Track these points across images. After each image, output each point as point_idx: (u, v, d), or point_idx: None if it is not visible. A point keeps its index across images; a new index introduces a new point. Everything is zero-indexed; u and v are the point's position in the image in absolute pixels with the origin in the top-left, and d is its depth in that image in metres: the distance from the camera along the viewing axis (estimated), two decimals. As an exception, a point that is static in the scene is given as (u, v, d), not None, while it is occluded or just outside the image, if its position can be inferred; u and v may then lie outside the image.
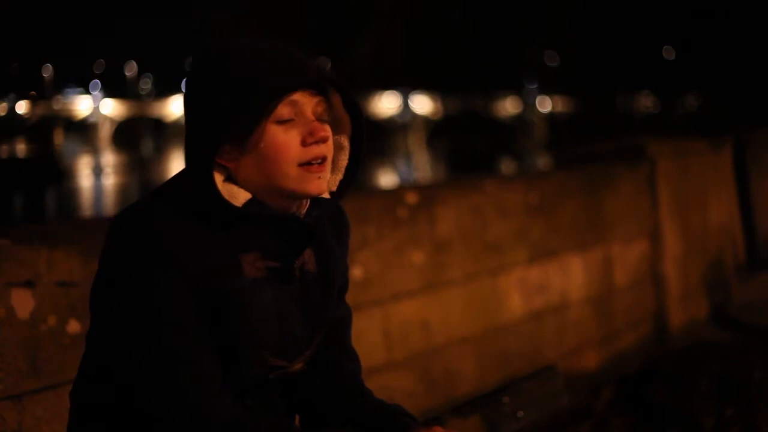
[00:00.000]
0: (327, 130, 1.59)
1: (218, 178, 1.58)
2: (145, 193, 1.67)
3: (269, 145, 1.56)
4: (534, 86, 76.70)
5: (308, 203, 1.66)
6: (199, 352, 1.57)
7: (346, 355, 1.85)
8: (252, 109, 1.53)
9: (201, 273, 1.55)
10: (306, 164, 1.57)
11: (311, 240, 1.66)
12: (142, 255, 1.53)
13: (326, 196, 1.69)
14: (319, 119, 1.59)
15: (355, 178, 1.71)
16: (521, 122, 76.44)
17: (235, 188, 1.59)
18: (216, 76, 1.56)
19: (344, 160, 1.69)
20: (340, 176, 1.70)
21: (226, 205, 1.56)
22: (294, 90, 1.56)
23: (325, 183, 1.61)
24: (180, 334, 1.55)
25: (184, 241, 1.55)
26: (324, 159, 1.59)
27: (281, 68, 1.55)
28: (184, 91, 1.62)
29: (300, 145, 1.57)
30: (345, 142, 1.68)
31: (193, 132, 1.58)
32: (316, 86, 1.59)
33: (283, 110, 1.56)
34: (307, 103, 1.57)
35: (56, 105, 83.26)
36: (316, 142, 1.57)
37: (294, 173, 1.57)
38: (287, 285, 1.66)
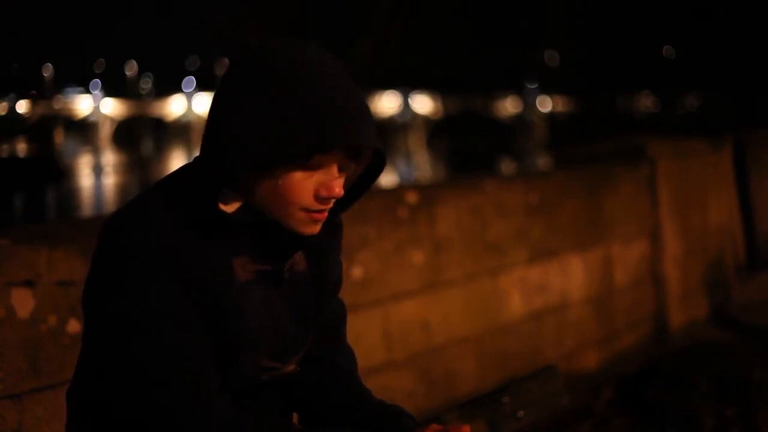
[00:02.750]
0: (342, 187, 1.56)
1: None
2: (139, 193, 1.66)
3: (285, 185, 1.53)
4: (534, 86, 76.74)
5: None
6: (199, 350, 1.57)
7: (341, 353, 1.85)
8: (289, 152, 1.48)
9: (195, 274, 1.55)
10: (309, 211, 1.56)
11: (302, 244, 1.65)
12: (139, 251, 1.52)
13: None
14: (340, 171, 1.56)
15: (355, 201, 1.69)
16: (521, 122, 76.47)
17: (230, 193, 1.58)
18: (264, 94, 1.49)
19: (350, 182, 1.67)
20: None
21: (221, 213, 1.56)
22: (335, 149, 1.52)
23: (320, 226, 1.59)
24: (179, 329, 1.54)
25: (179, 241, 1.54)
26: (328, 209, 1.57)
27: (334, 122, 1.48)
28: (224, 85, 1.55)
29: (312, 195, 1.54)
30: (359, 171, 1.65)
31: (220, 141, 1.53)
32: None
33: (314, 159, 1.52)
34: (336, 155, 1.53)
35: (56, 104, 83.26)
36: (328, 198, 1.55)
37: (296, 215, 1.56)
38: (277, 288, 1.66)
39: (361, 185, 1.68)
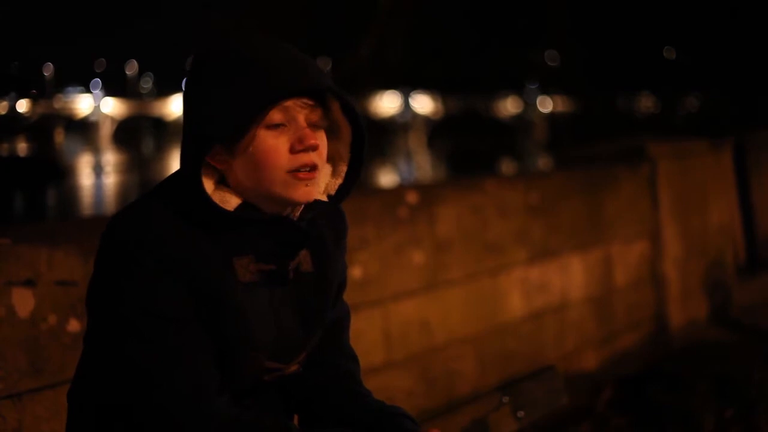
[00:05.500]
0: (317, 138, 1.58)
1: (210, 182, 1.58)
2: (141, 194, 1.67)
3: (258, 150, 1.55)
4: (535, 86, 76.70)
5: (302, 206, 1.65)
6: (199, 351, 1.57)
7: (343, 355, 1.84)
8: (242, 114, 1.52)
9: (198, 274, 1.55)
10: (294, 171, 1.56)
11: (305, 242, 1.66)
12: (140, 254, 1.53)
13: (323, 198, 1.68)
14: (313, 126, 1.58)
15: (354, 184, 1.70)
16: (522, 122, 76.43)
17: (227, 193, 1.59)
18: (209, 77, 1.56)
19: (344, 166, 1.69)
20: (340, 181, 1.69)
21: (216, 208, 1.56)
22: (287, 98, 1.55)
23: (313, 190, 1.59)
24: (179, 331, 1.55)
25: (182, 242, 1.55)
26: (313, 167, 1.57)
27: (276, 74, 1.53)
28: (183, 91, 1.62)
29: (288, 152, 1.56)
30: (345, 148, 1.67)
31: (186, 132, 1.59)
32: (313, 92, 1.58)
33: (275, 115, 1.55)
34: (299, 109, 1.56)
35: (57, 104, 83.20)
36: (305, 150, 1.56)
37: (281, 179, 1.56)
38: (281, 287, 1.66)
39: (352, 176, 1.70)
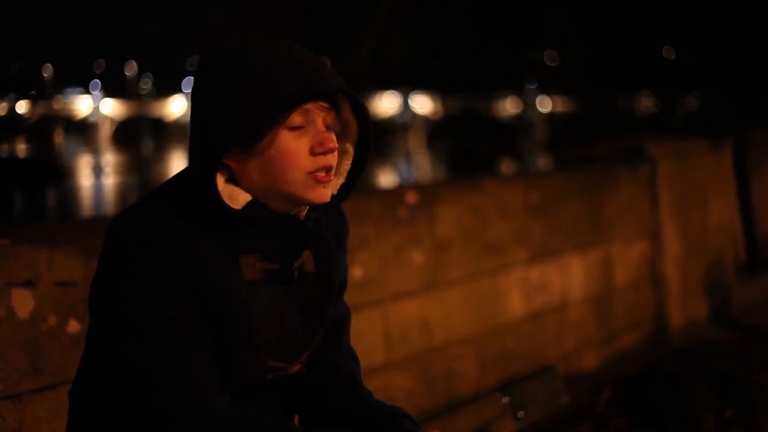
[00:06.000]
0: (335, 141, 1.60)
1: (220, 179, 1.59)
2: (144, 194, 1.67)
3: (279, 151, 1.56)
4: (534, 86, 76.72)
5: (308, 206, 1.66)
6: (199, 351, 1.57)
7: (343, 355, 1.85)
8: (265, 116, 1.53)
9: (199, 274, 1.56)
10: (313, 172, 1.58)
11: (310, 241, 1.66)
12: (141, 254, 1.53)
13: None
14: (328, 128, 1.60)
15: (357, 184, 1.71)
16: (521, 122, 76.42)
17: (235, 189, 1.59)
18: (229, 77, 1.56)
19: (347, 165, 1.70)
20: (341, 180, 1.71)
21: (226, 208, 1.56)
22: (309, 100, 1.56)
23: (329, 192, 1.62)
24: (179, 332, 1.55)
25: (183, 242, 1.55)
26: (330, 168, 1.60)
27: (298, 77, 1.55)
28: (193, 86, 1.62)
29: (308, 154, 1.58)
30: (350, 147, 1.69)
31: (200, 132, 1.58)
32: (329, 95, 1.60)
33: (296, 118, 1.57)
34: (318, 112, 1.58)
35: (56, 105, 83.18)
36: (324, 153, 1.58)
37: (300, 180, 1.58)
38: (286, 286, 1.66)
39: (355, 174, 1.71)
